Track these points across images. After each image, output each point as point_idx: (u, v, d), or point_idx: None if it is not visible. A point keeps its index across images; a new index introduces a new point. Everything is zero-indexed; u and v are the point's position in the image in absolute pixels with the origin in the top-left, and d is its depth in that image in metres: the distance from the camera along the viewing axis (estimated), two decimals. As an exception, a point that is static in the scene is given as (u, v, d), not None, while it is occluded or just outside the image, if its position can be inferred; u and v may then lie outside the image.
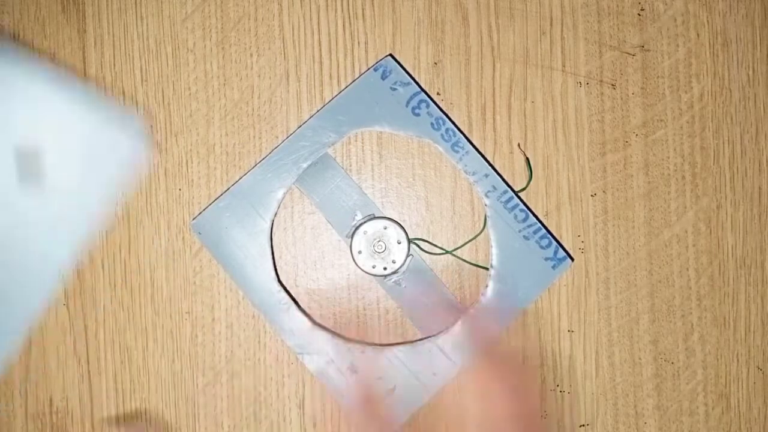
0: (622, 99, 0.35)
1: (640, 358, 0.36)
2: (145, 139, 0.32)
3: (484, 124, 0.35)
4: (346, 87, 0.34)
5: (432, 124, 0.34)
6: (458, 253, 0.35)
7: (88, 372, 0.35)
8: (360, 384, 0.33)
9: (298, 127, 0.34)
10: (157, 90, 0.34)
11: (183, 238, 0.35)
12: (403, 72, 0.34)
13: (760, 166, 0.36)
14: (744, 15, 0.36)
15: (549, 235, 0.34)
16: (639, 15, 0.35)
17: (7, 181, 0.30)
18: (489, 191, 0.34)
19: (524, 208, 0.34)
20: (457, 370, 0.33)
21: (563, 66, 0.35)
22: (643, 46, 0.35)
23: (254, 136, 0.35)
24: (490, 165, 0.34)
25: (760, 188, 0.36)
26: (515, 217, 0.34)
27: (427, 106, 0.33)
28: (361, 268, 0.34)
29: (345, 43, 0.34)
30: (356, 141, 0.35)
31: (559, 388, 0.35)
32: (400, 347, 0.34)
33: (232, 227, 0.33)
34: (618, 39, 0.35)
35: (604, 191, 0.35)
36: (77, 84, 0.33)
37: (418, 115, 0.33)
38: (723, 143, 0.36)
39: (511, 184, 0.35)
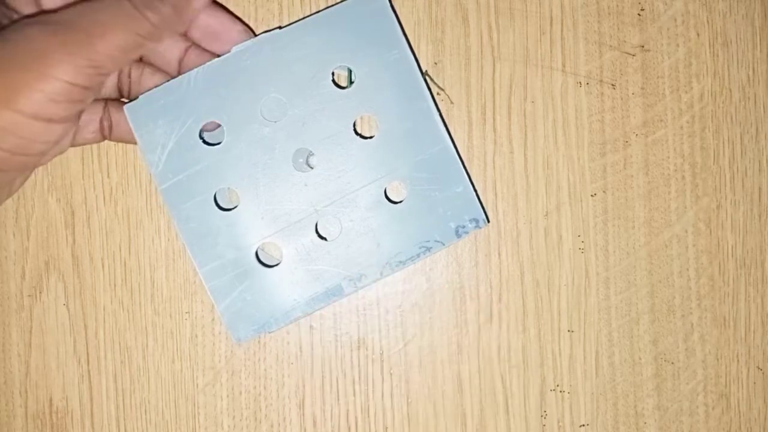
0: (622, 99, 0.35)
1: (640, 358, 0.36)
2: None
3: (484, 123, 0.35)
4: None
5: None
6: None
7: (88, 372, 0.35)
8: None
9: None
10: (157, 90, 0.34)
11: (183, 237, 0.35)
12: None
13: (760, 166, 0.36)
14: (744, 15, 0.36)
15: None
16: (639, 15, 0.35)
17: None
18: None
19: None
20: None
21: (563, 66, 0.35)
22: (643, 46, 0.35)
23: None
24: None
25: (760, 188, 0.36)
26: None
27: None
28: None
29: (345, 43, 0.34)
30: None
31: (559, 388, 0.35)
32: None
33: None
34: (618, 39, 0.35)
35: (604, 191, 0.35)
36: None
37: None
38: (723, 143, 0.36)
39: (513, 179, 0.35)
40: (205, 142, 0.31)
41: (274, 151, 0.32)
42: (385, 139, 0.32)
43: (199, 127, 0.31)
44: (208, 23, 0.30)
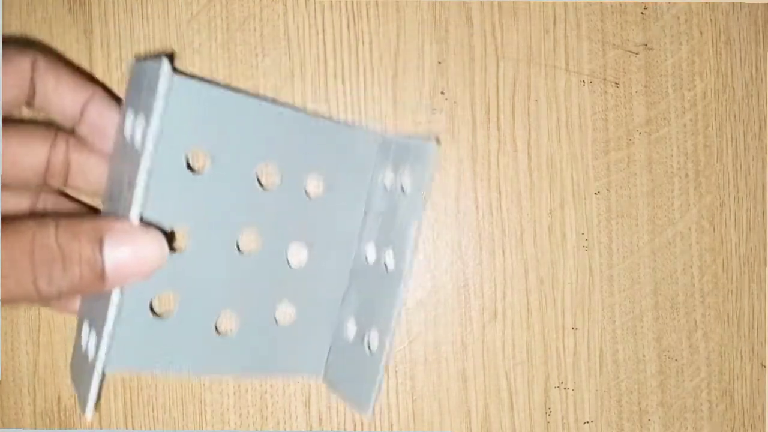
0: (625, 97, 0.35)
1: (644, 355, 0.36)
2: None
3: (488, 122, 0.35)
4: None
5: None
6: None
7: (96, 370, 0.35)
8: None
9: None
10: (163, 90, 0.35)
11: (189, 236, 0.35)
12: None
13: (763, 164, 0.36)
14: (747, 13, 0.36)
15: None
16: (642, 13, 0.35)
17: None
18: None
19: None
20: None
21: (567, 65, 0.35)
22: (646, 45, 0.35)
23: (259, 136, 0.35)
24: None
25: (763, 185, 0.36)
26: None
27: None
28: None
29: (349, 42, 0.35)
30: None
31: (563, 385, 0.36)
32: None
33: None
34: (621, 37, 0.35)
35: (607, 189, 0.36)
36: None
37: None
38: (726, 141, 0.36)
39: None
40: None
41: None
42: (311, 272, 0.31)
43: None
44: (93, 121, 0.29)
